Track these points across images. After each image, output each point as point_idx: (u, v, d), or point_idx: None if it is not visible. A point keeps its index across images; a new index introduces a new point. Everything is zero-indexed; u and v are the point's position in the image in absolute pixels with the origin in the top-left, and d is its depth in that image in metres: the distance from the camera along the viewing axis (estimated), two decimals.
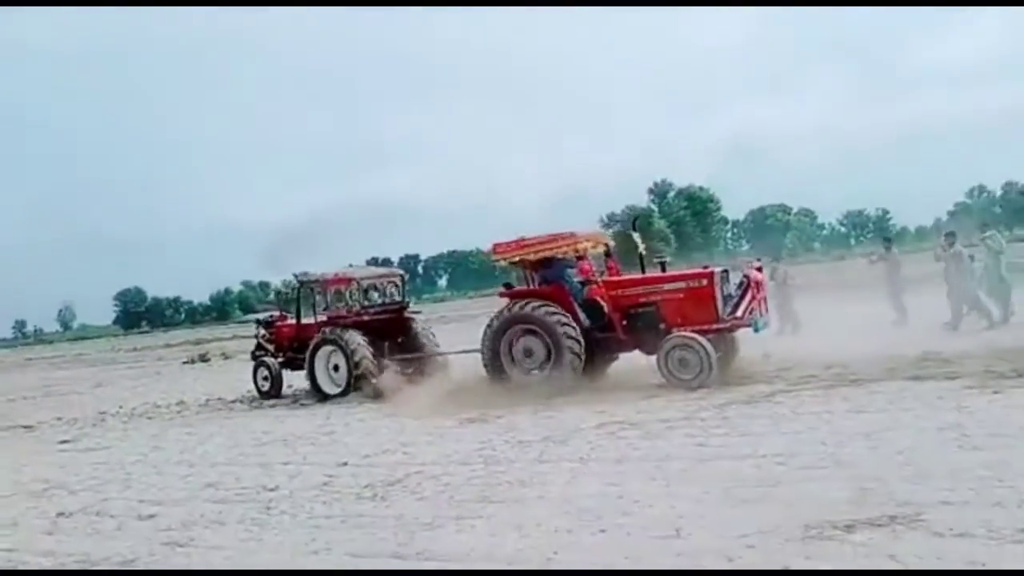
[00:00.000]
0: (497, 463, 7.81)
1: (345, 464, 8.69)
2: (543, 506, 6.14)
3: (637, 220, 12.93)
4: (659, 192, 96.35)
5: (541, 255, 12.52)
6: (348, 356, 13.92)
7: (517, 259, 12.67)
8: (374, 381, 13.92)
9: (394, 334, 14.99)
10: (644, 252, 12.87)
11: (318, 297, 15.69)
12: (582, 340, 11.68)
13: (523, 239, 12.66)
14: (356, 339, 14.00)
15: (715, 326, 11.27)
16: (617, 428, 8.82)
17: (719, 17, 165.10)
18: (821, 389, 9.75)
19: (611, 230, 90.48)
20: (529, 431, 9.25)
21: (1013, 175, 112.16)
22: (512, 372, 12.14)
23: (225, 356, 31.68)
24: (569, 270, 12.69)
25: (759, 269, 12.23)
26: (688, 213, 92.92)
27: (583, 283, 12.24)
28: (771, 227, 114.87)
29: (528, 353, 12.03)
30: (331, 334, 14.21)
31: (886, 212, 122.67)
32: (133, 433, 13.10)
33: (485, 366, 12.41)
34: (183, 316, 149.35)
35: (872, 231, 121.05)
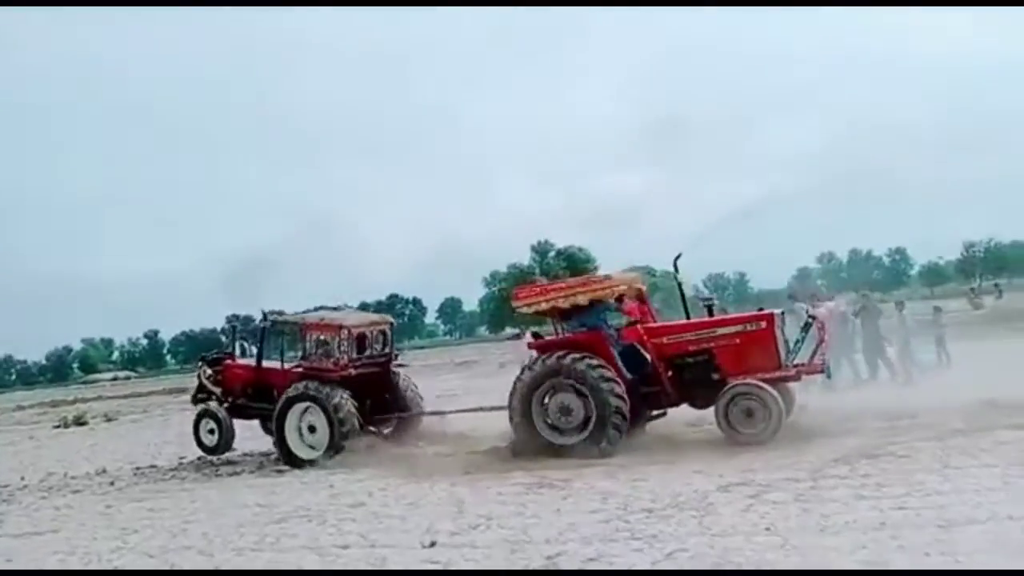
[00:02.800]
0: (664, 540, 6.22)
1: (433, 545, 6.86)
2: None
3: (679, 258, 11.45)
4: (540, 251, 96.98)
5: (573, 301, 11.10)
6: (332, 418, 11.84)
7: (545, 306, 11.16)
8: (360, 446, 11.96)
9: (379, 391, 13.00)
10: (686, 293, 11.61)
11: (292, 341, 13.53)
12: (627, 398, 10.29)
13: (548, 284, 11.29)
14: (344, 400, 11.95)
15: (778, 374, 10.15)
16: (753, 491, 7.43)
17: (588, 91, 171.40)
18: (933, 441, 8.80)
19: (494, 288, 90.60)
20: (641, 498, 7.68)
21: (858, 243, 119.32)
22: (545, 432, 10.57)
23: (108, 418, 27.97)
24: (604, 316, 11.35)
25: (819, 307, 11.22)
26: (567, 272, 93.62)
27: (623, 327, 10.90)
28: None
29: (565, 411, 10.49)
30: (312, 390, 12.09)
31: (744, 275, 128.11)
32: (70, 512, 10.47)
33: (514, 425, 10.76)
34: (14, 377, 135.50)
35: (732, 293, 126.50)
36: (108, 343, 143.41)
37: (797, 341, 10.51)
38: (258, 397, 13.36)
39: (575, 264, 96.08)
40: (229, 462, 13.41)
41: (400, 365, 13.47)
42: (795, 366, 10.33)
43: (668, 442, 10.72)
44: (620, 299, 10.92)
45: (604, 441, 10.07)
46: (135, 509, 10.18)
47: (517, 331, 16.44)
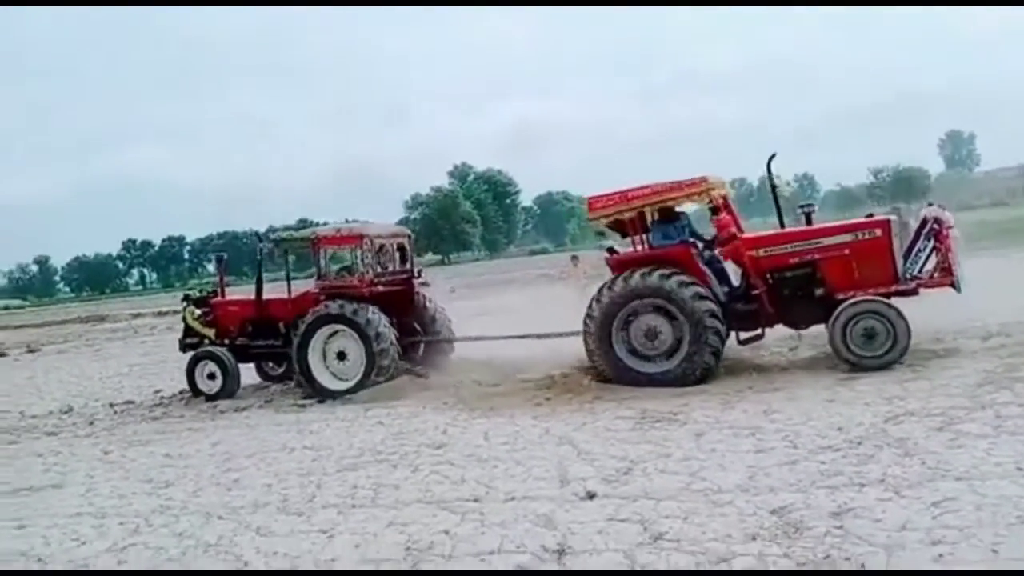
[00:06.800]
0: (907, 487, 5.12)
1: (593, 497, 5.63)
2: None
3: (772, 159, 10.01)
4: (459, 175, 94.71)
5: (660, 208, 9.78)
6: (369, 341, 10.34)
7: (626, 215, 9.77)
8: (398, 374, 10.62)
9: (402, 312, 11.50)
10: (782, 196, 10.26)
11: (298, 260, 11.86)
12: (724, 319, 9.18)
13: (627, 192, 9.82)
14: (379, 319, 10.47)
15: (894, 288, 9.10)
16: (936, 424, 6.39)
17: (507, 15, 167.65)
18: None
19: (415, 212, 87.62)
20: (801, 433, 6.58)
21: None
22: (626, 359, 9.40)
23: (30, 349, 25.44)
24: (687, 226, 10.14)
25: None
26: (489, 196, 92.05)
27: (723, 241, 9.65)
28: (556, 213, 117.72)
29: (652, 336, 9.33)
30: (342, 309, 10.52)
31: None
32: (63, 459, 8.78)
33: (591, 352, 9.55)
34: None
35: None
36: None
37: (911, 249, 9.44)
38: (260, 335, 11.78)
39: (496, 187, 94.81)
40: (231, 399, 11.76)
41: (423, 283, 11.97)
42: (914, 278, 9.29)
43: (749, 366, 9.76)
44: (717, 209, 9.66)
45: (698, 369, 8.98)
46: (146, 455, 8.57)
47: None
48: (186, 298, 12.77)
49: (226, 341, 11.95)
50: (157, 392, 12.99)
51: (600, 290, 9.57)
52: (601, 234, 16.07)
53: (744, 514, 4.96)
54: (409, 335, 11.46)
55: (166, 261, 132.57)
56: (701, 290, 9.09)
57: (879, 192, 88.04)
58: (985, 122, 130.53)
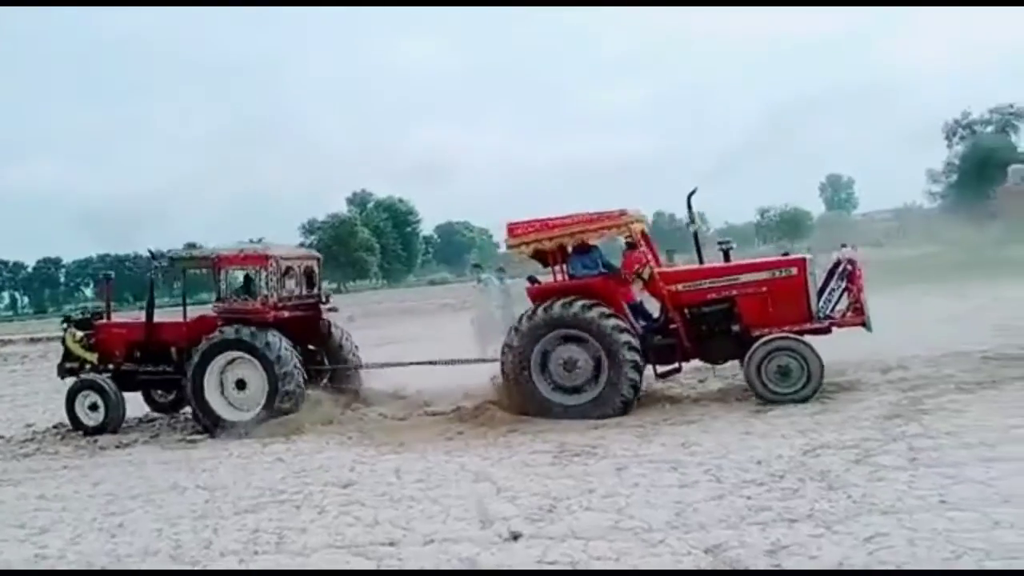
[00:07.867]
0: (836, 522, 5.05)
1: (517, 538, 5.34)
2: None
3: (693, 194, 10.05)
4: (358, 202, 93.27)
5: (580, 239, 9.68)
6: (270, 368, 9.77)
7: (546, 245, 9.62)
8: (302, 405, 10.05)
9: (307, 339, 10.98)
10: (697, 232, 10.28)
11: (191, 281, 11.16)
12: (642, 352, 9.10)
13: (548, 220, 9.69)
14: (279, 341, 9.92)
15: (808, 326, 9.21)
16: (853, 456, 6.42)
17: (416, 43, 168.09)
18: (963, 393, 8.28)
19: (312, 237, 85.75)
20: (724, 467, 6.47)
21: (662, 206, 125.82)
22: (544, 391, 9.19)
23: None
24: (599, 258, 10.06)
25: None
26: (389, 224, 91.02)
27: (637, 275, 9.62)
28: (457, 243, 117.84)
29: (570, 367, 9.15)
30: (239, 334, 9.90)
31: None
32: None
33: (509, 381, 9.30)
34: None
35: None
36: None
37: (824, 289, 9.60)
38: (149, 360, 10.94)
39: (397, 216, 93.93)
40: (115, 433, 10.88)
41: (331, 309, 11.46)
42: (827, 317, 9.41)
43: (661, 398, 9.71)
44: (633, 244, 9.64)
45: (616, 401, 8.85)
46: (17, 497, 7.78)
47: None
48: (66, 320, 11.79)
49: (110, 367, 11.05)
50: (29, 426, 11.95)
51: (520, 319, 9.36)
52: (478, 266, 16.60)
53: (678, 553, 4.77)
54: (314, 363, 10.94)
55: (40, 284, 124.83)
56: (621, 322, 9.01)
57: (765, 231, 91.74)
58: (863, 167, 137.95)
